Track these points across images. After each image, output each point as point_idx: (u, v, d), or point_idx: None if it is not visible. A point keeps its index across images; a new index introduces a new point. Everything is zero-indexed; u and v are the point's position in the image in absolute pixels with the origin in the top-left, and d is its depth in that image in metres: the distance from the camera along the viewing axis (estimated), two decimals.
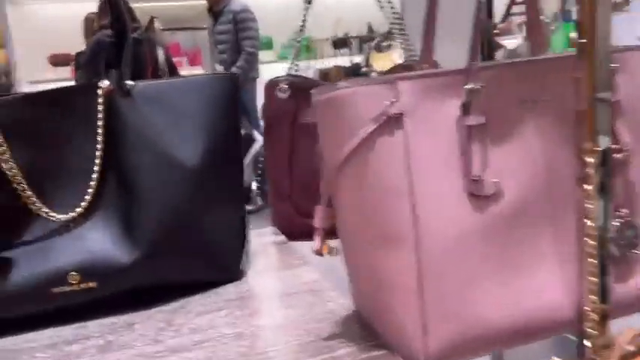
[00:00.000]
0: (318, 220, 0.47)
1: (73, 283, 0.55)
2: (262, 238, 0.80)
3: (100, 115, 0.58)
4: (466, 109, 0.45)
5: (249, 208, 0.92)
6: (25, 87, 4.30)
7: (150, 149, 0.58)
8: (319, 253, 0.47)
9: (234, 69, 3.44)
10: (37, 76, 4.20)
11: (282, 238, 0.81)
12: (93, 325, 0.56)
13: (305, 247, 0.75)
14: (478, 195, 0.45)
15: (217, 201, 0.62)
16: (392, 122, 0.44)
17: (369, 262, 0.45)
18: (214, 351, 0.48)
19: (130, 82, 0.59)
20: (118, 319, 0.56)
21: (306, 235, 0.88)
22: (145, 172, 0.58)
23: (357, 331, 0.50)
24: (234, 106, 0.64)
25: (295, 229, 0.85)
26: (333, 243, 0.51)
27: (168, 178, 0.58)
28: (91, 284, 0.56)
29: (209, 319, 0.55)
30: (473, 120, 0.45)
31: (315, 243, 0.47)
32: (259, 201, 0.91)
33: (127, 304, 0.59)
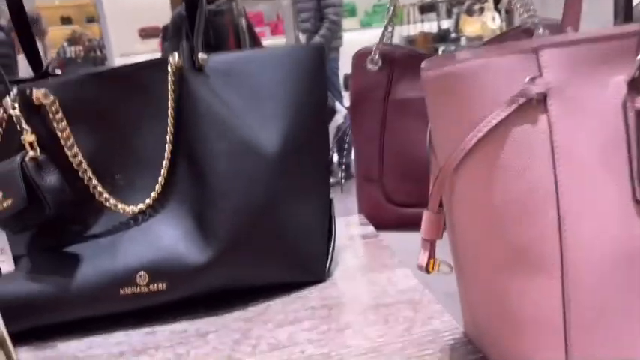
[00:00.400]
0: (425, 230, 0.37)
1: (141, 284, 0.50)
2: (349, 229, 0.72)
3: (169, 94, 0.51)
4: (636, 86, 0.33)
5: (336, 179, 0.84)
6: (116, 60, 4.46)
7: (226, 133, 0.50)
8: (426, 269, 0.37)
9: (317, 38, 3.34)
10: (127, 49, 4.34)
11: (371, 228, 0.72)
12: (162, 333, 0.50)
13: (399, 242, 0.66)
14: None
15: (301, 192, 0.54)
16: (533, 106, 0.33)
17: (494, 287, 0.35)
18: None
19: (202, 56, 0.51)
20: (190, 326, 0.50)
21: (398, 224, 0.79)
22: (220, 160, 0.50)
23: None
24: (321, 81, 0.55)
25: (385, 218, 0.76)
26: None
27: (246, 167, 0.50)
28: (161, 285, 0.50)
29: (290, 333, 0.47)
30: None
31: (421, 257, 0.38)
32: (341, 174, 0.83)
33: (199, 308, 0.53)
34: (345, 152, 0.91)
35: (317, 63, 0.55)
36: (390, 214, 0.75)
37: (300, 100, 0.53)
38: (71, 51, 4.82)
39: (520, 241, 0.33)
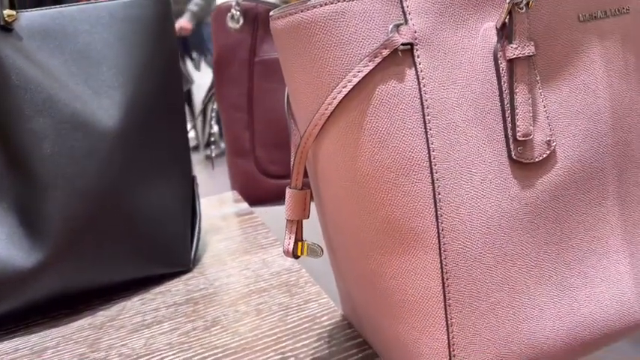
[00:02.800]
0: (289, 210, 0.32)
1: None
2: (222, 208, 0.65)
3: None
4: (507, 33, 0.30)
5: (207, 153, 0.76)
6: None
7: (48, 106, 0.41)
8: (293, 255, 0.32)
9: (191, 4, 3.09)
10: None
11: (245, 205, 0.66)
12: None
13: (277, 218, 0.61)
14: (524, 162, 0.30)
15: (153, 170, 0.46)
16: (399, 59, 0.28)
17: (367, 268, 0.31)
18: None
19: (8, 12, 0.41)
20: (23, 344, 0.41)
21: (275, 197, 0.74)
22: (43, 140, 0.41)
23: (351, 353, 0.36)
24: (167, 41, 0.47)
25: (261, 192, 0.70)
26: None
27: (78, 146, 0.42)
28: None
29: (147, 338, 0.40)
30: (517, 50, 0.30)
31: (286, 241, 0.32)
32: (210, 148, 0.76)
33: (36, 318, 0.44)
34: (211, 123, 0.83)
35: (161, 19, 0.47)
36: (266, 188, 0.70)
37: (141, 64, 0.45)
38: None
39: (392, 215, 0.29)
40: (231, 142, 0.70)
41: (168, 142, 0.48)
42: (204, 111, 0.78)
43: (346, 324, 0.39)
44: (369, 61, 0.28)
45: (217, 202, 0.67)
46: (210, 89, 0.77)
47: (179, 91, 0.49)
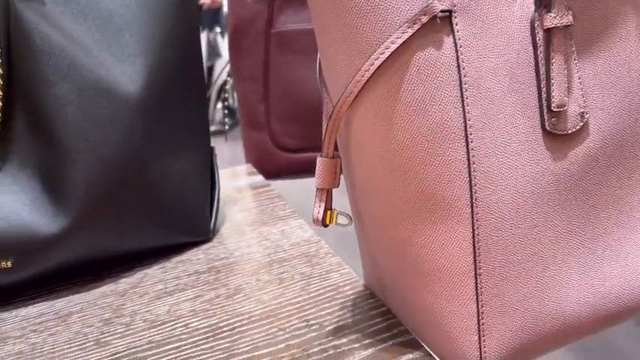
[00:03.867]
0: (319, 178, 0.32)
1: None
2: (236, 180, 0.65)
3: None
4: (546, 2, 0.29)
5: (212, 128, 0.76)
6: None
7: (71, 72, 0.41)
8: (322, 223, 0.32)
9: None
10: None
11: (260, 178, 0.66)
12: (11, 320, 0.41)
13: (292, 191, 0.61)
14: (557, 134, 0.30)
15: (174, 139, 0.46)
16: (437, 25, 0.28)
17: (397, 238, 0.31)
18: (179, 356, 0.35)
19: None
20: (48, 309, 0.42)
21: (289, 171, 0.74)
22: (66, 107, 0.41)
23: (376, 321, 0.37)
24: (187, 10, 0.47)
25: (275, 166, 0.70)
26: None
27: (101, 112, 0.41)
28: (5, 264, 0.41)
29: (171, 305, 0.41)
30: (555, 19, 0.29)
31: (316, 209, 0.32)
32: (227, 120, 0.75)
33: (59, 285, 0.45)
34: (226, 95, 0.83)
35: None
36: (280, 161, 0.70)
37: (163, 33, 0.44)
38: None
39: (425, 184, 0.29)
40: (246, 114, 0.69)
41: (188, 112, 0.48)
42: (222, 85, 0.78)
43: (369, 294, 0.40)
44: (408, 28, 0.27)
45: (231, 175, 0.67)
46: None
47: (199, 62, 0.49)
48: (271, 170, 0.69)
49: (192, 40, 0.48)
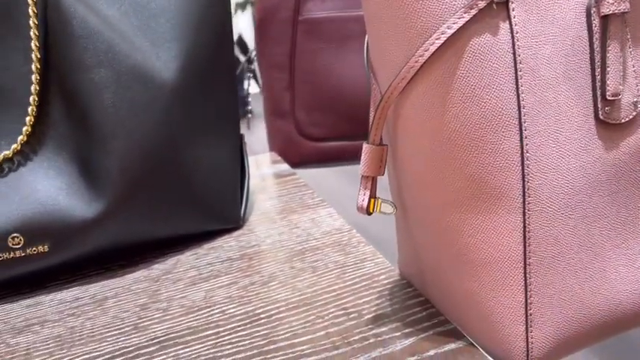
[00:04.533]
0: (365, 166, 0.32)
1: (15, 248, 0.40)
2: (260, 169, 0.65)
3: (30, 10, 0.40)
4: None
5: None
6: None
7: (109, 57, 0.41)
8: (367, 211, 0.32)
9: None
10: None
11: (286, 166, 0.65)
12: (49, 304, 0.41)
13: (318, 179, 0.61)
14: (610, 123, 0.30)
15: (207, 126, 0.46)
16: (493, 11, 0.27)
17: (444, 227, 0.31)
18: (218, 342, 0.35)
19: None
20: (83, 293, 0.42)
21: (314, 160, 0.73)
22: (103, 93, 0.41)
23: (415, 310, 0.36)
24: None
25: (299, 154, 0.70)
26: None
27: (138, 98, 0.41)
28: (42, 248, 0.41)
29: (207, 291, 0.41)
30: (613, 5, 0.29)
31: (360, 197, 0.32)
32: (246, 108, 0.74)
33: (93, 270, 0.45)
34: (249, 84, 0.82)
35: None
36: (305, 150, 0.69)
37: (197, 19, 0.44)
38: None
39: (477, 172, 0.29)
40: (270, 102, 0.69)
41: (220, 99, 0.48)
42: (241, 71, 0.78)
43: (405, 283, 0.40)
44: (464, 13, 0.27)
45: (254, 163, 0.67)
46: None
47: (231, 49, 0.49)
48: (296, 159, 0.69)
49: (225, 26, 0.47)
